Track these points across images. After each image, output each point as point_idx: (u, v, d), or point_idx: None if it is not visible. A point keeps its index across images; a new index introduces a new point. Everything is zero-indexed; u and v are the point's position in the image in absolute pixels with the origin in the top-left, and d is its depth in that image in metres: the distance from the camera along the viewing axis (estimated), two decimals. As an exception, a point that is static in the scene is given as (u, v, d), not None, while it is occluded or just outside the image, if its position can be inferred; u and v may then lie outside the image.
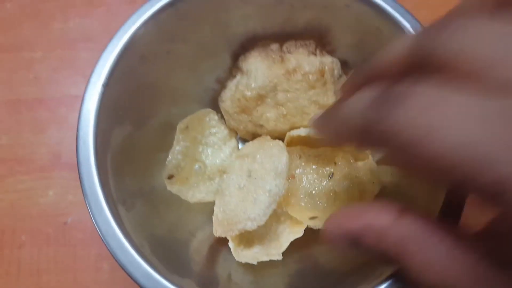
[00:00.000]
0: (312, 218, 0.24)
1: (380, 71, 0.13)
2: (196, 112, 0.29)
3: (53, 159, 0.33)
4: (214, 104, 0.30)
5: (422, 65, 0.11)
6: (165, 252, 0.23)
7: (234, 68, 0.29)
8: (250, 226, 0.23)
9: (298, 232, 0.25)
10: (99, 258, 0.30)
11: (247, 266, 0.24)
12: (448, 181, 0.11)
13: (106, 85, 0.22)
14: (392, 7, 0.23)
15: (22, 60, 0.35)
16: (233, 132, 0.30)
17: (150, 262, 0.19)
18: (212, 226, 0.25)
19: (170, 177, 0.27)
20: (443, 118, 0.10)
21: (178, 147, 0.28)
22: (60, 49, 0.36)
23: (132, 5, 0.37)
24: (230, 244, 0.25)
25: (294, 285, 0.24)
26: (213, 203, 0.26)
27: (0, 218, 0.31)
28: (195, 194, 0.28)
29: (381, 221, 0.13)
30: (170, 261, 0.22)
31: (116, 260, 0.20)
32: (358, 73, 0.14)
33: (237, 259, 0.24)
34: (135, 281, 0.19)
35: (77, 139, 0.21)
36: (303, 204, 0.26)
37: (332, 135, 0.14)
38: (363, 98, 0.12)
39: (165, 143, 0.28)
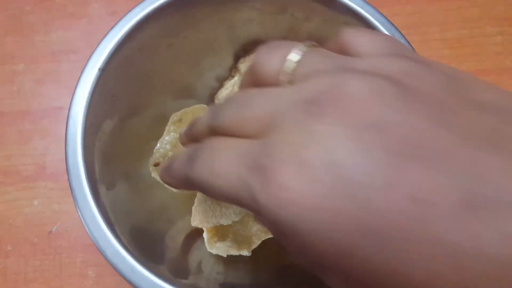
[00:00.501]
0: None
1: (194, 135, 0.18)
2: (191, 107, 0.30)
3: (38, 170, 0.33)
4: (211, 102, 0.31)
5: (215, 132, 0.15)
6: (143, 237, 0.24)
7: (234, 69, 0.30)
8: (224, 221, 0.24)
9: (271, 233, 0.26)
10: (84, 265, 0.31)
11: (218, 258, 0.26)
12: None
13: (103, 70, 0.23)
14: (388, 30, 0.25)
15: (5, 73, 0.36)
16: None
17: (125, 245, 0.20)
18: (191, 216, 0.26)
19: (156, 164, 0.28)
20: (213, 167, 0.14)
21: (167, 137, 0.29)
22: (43, 61, 0.36)
23: (113, 16, 0.38)
24: (205, 235, 0.26)
25: (259, 281, 0.25)
26: (195, 195, 0.27)
27: (-14, 229, 0.32)
28: None
29: None
30: (146, 244, 0.23)
31: (91, 239, 0.20)
32: (185, 134, 0.19)
33: (209, 249, 0.25)
34: (109, 261, 0.20)
35: (68, 119, 0.22)
36: None
37: (171, 182, 0.18)
38: (184, 155, 0.17)
39: (157, 133, 0.29)
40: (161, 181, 0.28)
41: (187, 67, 0.29)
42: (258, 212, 0.12)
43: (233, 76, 0.30)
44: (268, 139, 0.13)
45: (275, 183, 0.11)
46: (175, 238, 0.26)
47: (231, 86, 0.29)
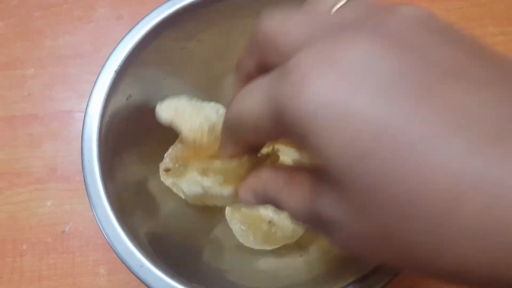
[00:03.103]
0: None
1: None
2: None
3: (49, 172, 0.34)
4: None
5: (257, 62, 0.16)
6: (160, 243, 0.25)
7: None
8: None
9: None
10: (96, 264, 0.32)
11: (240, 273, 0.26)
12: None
13: (119, 72, 0.24)
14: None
15: (16, 78, 0.37)
16: None
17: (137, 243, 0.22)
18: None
19: (167, 170, 0.29)
20: (244, 98, 0.15)
21: (180, 144, 0.29)
22: (51, 66, 0.37)
23: (119, 21, 0.39)
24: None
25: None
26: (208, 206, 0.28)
27: (1, 229, 0.33)
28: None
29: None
30: (166, 250, 0.24)
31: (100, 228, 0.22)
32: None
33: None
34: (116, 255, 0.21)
35: (85, 118, 0.23)
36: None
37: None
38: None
39: (172, 140, 0.30)
40: (169, 186, 0.29)
41: (200, 71, 0.29)
42: (281, 120, 0.12)
43: None
44: (297, 52, 0.13)
45: (296, 76, 0.12)
46: (191, 248, 0.27)
47: None
